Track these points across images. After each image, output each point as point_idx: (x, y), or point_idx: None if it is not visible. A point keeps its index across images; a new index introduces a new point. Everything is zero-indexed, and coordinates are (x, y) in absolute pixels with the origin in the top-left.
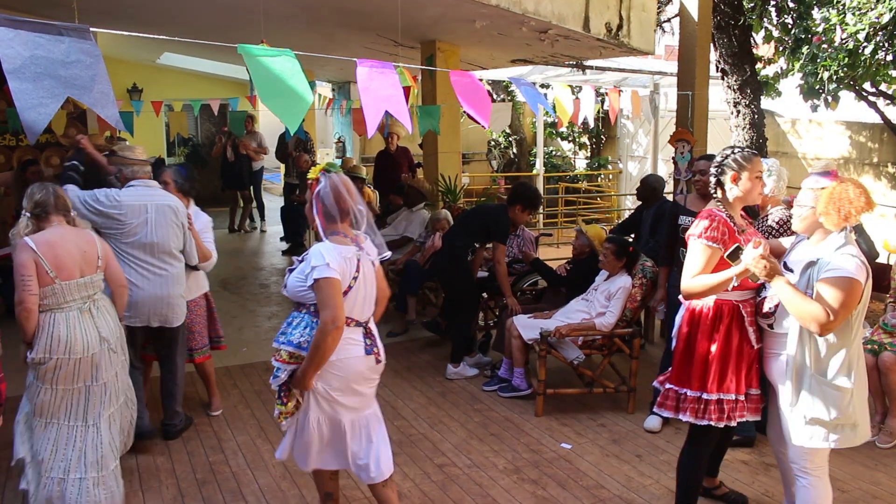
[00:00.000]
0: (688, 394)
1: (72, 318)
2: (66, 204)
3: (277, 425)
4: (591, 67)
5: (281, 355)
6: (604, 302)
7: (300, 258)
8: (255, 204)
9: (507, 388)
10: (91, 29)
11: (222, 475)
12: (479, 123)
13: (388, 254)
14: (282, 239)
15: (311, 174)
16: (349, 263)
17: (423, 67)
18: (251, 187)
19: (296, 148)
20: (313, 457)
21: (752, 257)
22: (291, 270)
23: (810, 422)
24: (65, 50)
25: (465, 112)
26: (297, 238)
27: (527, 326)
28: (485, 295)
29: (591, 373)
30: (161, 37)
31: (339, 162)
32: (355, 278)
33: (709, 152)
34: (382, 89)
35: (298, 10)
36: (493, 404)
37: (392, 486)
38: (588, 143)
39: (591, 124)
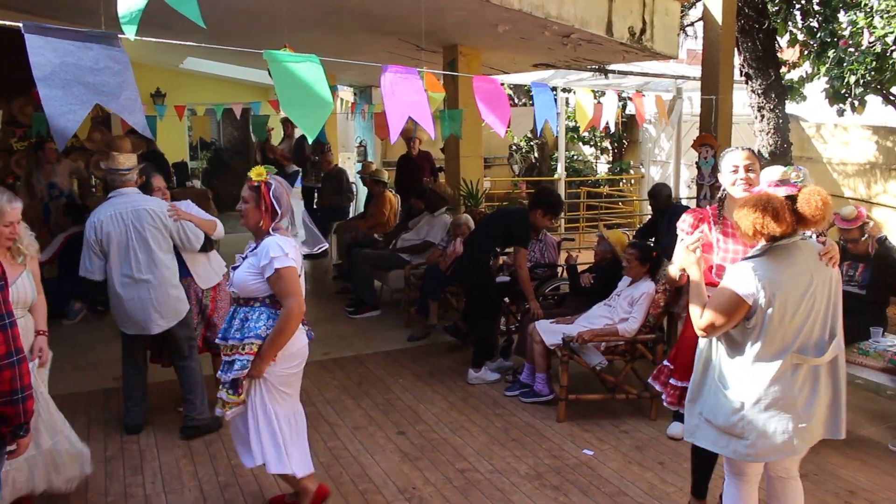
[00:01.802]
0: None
1: None
2: None
3: (222, 415)
4: (613, 72)
5: (251, 348)
6: (626, 307)
7: (243, 255)
8: None
9: (528, 394)
10: (119, 36)
11: (244, 478)
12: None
13: (326, 245)
14: (302, 243)
15: (257, 176)
16: (298, 254)
17: (447, 73)
18: None
19: (314, 152)
20: (302, 451)
21: (682, 247)
22: (235, 268)
23: (699, 417)
24: (93, 57)
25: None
26: None
27: (549, 331)
28: (506, 299)
29: (614, 379)
30: (189, 43)
31: (359, 166)
32: (301, 267)
33: None
34: (406, 95)
35: (321, 15)
36: (515, 409)
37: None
38: (610, 147)
39: (613, 129)
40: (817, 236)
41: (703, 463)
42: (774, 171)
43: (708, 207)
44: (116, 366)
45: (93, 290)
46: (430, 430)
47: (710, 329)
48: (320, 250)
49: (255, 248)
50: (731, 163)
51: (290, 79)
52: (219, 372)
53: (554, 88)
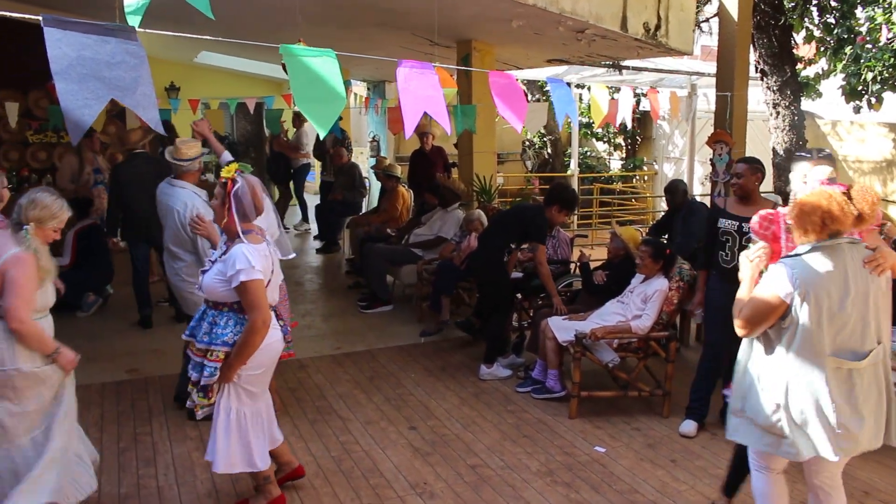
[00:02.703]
0: None
1: None
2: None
3: (191, 416)
4: (627, 67)
5: (217, 355)
6: (640, 304)
7: (213, 259)
8: (295, 202)
9: (540, 390)
10: (137, 29)
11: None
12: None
13: (292, 255)
14: (315, 237)
15: (226, 174)
16: (267, 260)
17: (462, 68)
18: (291, 184)
19: (333, 145)
20: (264, 448)
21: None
22: (205, 271)
23: (742, 415)
24: (110, 51)
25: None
26: (331, 237)
27: (561, 328)
28: (519, 296)
29: (626, 376)
30: (204, 37)
31: (372, 161)
32: (272, 272)
33: (747, 155)
34: (422, 90)
35: (334, 10)
36: (527, 406)
37: None
38: (623, 143)
39: (629, 125)
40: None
41: (745, 464)
42: (822, 171)
43: (779, 209)
44: (130, 358)
45: (106, 282)
46: (441, 425)
47: (748, 328)
48: (287, 258)
49: (224, 253)
50: (802, 172)
51: (305, 73)
52: (189, 369)
53: (568, 84)
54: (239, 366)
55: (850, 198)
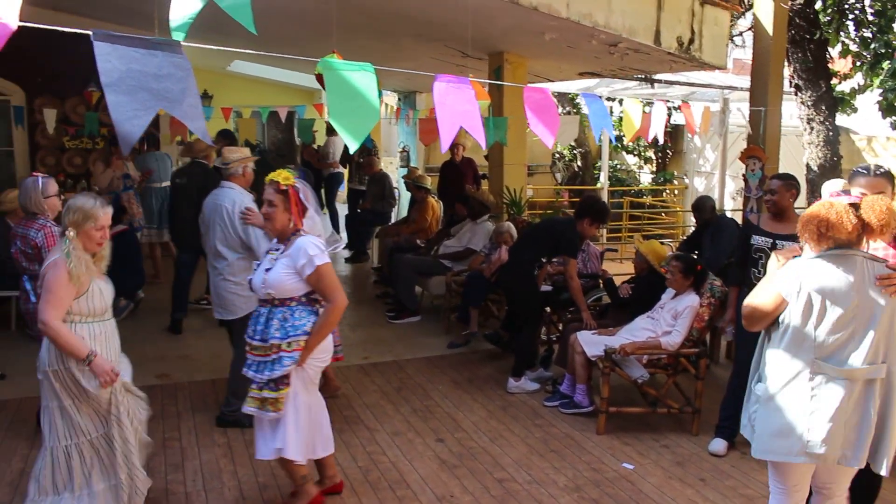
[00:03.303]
0: None
1: None
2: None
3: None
4: (659, 81)
5: (298, 344)
6: (670, 320)
7: (273, 256)
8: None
9: (568, 405)
10: (182, 43)
11: (283, 479)
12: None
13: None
14: (344, 247)
15: (284, 181)
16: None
17: (494, 82)
18: (321, 193)
19: (363, 154)
20: (325, 437)
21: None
22: (268, 269)
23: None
24: (158, 64)
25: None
26: (360, 246)
27: (591, 343)
28: (548, 309)
29: (656, 392)
30: (244, 51)
31: (404, 171)
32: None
33: (781, 171)
34: (458, 104)
35: (367, 21)
36: (555, 420)
37: None
38: (654, 157)
39: (662, 140)
40: None
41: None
42: (836, 183)
43: None
44: (160, 363)
45: (137, 287)
46: (468, 438)
47: (751, 318)
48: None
49: (286, 249)
50: (857, 188)
51: (342, 87)
52: (250, 372)
53: (601, 98)
54: (316, 345)
55: (857, 208)
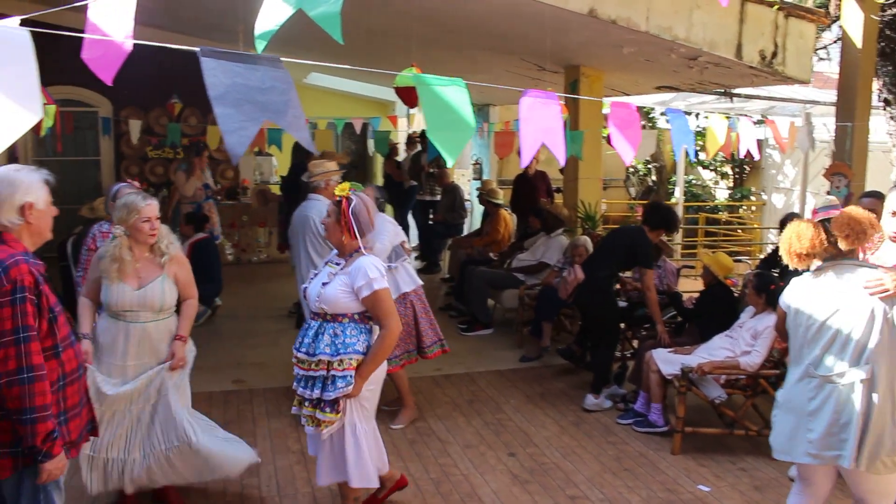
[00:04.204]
0: None
1: None
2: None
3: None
4: (738, 95)
5: (350, 364)
6: (749, 340)
7: (330, 271)
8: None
9: (642, 423)
10: (281, 59)
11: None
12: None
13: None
14: (416, 258)
15: (340, 192)
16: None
17: (576, 97)
18: (399, 206)
19: (431, 164)
20: (375, 464)
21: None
22: (325, 284)
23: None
24: (260, 77)
25: (607, 140)
26: (432, 256)
27: (666, 361)
28: (622, 325)
29: (733, 413)
30: (329, 64)
31: (476, 183)
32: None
33: (868, 188)
34: (543, 121)
35: (445, 34)
36: (628, 438)
37: None
38: (731, 172)
39: (757, 156)
40: None
41: None
42: (820, 201)
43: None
44: (237, 369)
45: (215, 294)
46: (540, 453)
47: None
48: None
49: (346, 266)
50: (890, 208)
51: (436, 101)
52: (299, 388)
53: (686, 115)
54: (371, 371)
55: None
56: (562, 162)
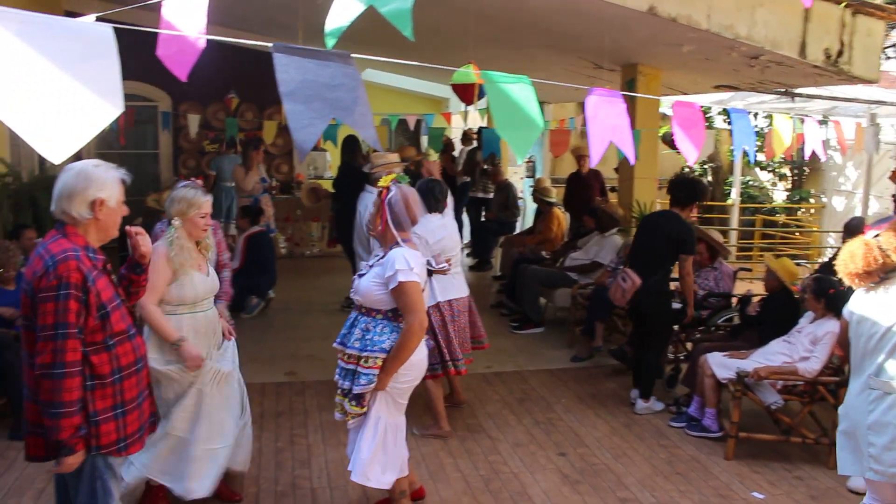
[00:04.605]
0: None
1: None
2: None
3: (343, 426)
4: (800, 95)
5: (375, 362)
6: (808, 346)
7: (370, 263)
8: None
9: (695, 427)
10: (352, 55)
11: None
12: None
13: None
14: (468, 255)
15: (382, 183)
16: (423, 269)
17: (632, 94)
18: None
19: (486, 161)
20: (403, 461)
21: None
22: (361, 275)
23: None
24: (330, 74)
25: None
26: (485, 254)
27: (721, 365)
28: (676, 327)
29: (789, 420)
30: (392, 60)
31: (529, 181)
32: (426, 282)
33: None
34: (609, 119)
35: (502, 31)
36: (680, 441)
37: None
38: (789, 174)
39: (824, 158)
40: None
41: None
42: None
43: None
44: (290, 360)
45: (269, 286)
46: (591, 454)
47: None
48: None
49: (382, 258)
50: None
51: (503, 99)
52: (336, 377)
53: (751, 115)
54: (395, 370)
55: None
56: (632, 160)
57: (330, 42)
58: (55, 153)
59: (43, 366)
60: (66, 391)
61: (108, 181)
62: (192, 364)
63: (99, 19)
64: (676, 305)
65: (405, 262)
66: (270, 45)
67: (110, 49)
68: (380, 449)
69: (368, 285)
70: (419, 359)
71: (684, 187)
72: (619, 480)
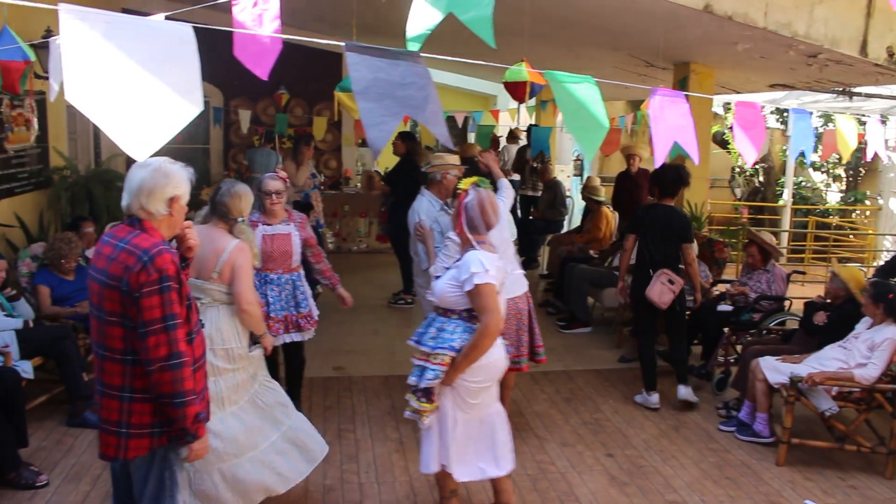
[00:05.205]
0: None
1: None
2: (224, 210)
3: (417, 424)
4: (858, 94)
5: (442, 359)
6: (865, 352)
7: (447, 265)
8: None
9: (745, 431)
10: (421, 55)
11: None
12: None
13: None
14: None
15: (462, 185)
16: (499, 272)
17: (685, 93)
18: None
19: (536, 159)
20: (453, 457)
21: None
22: (438, 277)
23: None
24: (401, 73)
25: (715, 142)
26: (531, 253)
27: (774, 369)
28: (726, 330)
29: (844, 427)
30: (451, 58)
31: (577, 179)
32: (503, 284)
33: None
34: (673, 119)
35: (555, 29)
36: (730, 446)
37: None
38: (844, 175)
39: (886, 160)
40: None
41: None
42: None
43: None
44: (337, 356)
45: (315, 282)
46: (639, 455)
47: None
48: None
49: (459, 260)
50: None
51: (569, 99)
52: (411, 376)
53: (810, 114)
54: (464, 367)
55: None
56: (696, 160)
57: (413, 47)
58: (138, 150)
59: (160, 359)
60: (188, 379)
61: (183, 179)
62: (270, 346)
63: (167, 19)
64: (726, 307)
65: (481, 265)
66: (343, 43)
67: (191, 49)
68: (436, 437)
69: (444, 287)
70: (492, 360)
71: (665, 177)
72: (668, 483)
